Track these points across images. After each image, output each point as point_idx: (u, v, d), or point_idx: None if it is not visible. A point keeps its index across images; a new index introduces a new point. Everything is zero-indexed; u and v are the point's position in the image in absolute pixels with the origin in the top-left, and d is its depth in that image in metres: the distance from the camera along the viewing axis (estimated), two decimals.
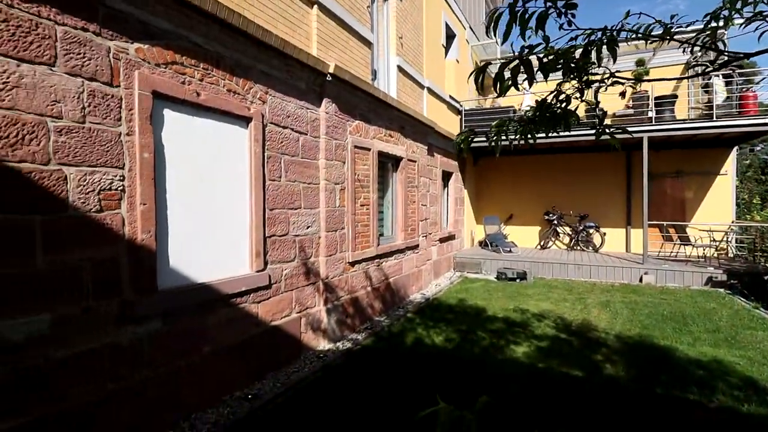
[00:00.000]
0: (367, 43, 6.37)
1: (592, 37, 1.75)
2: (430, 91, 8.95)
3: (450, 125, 10.13)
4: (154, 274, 2.95)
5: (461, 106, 10.97)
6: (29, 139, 2.32)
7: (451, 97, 10.29)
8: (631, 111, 9.74)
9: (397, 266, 6.85)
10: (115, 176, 2.74)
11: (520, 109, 10.90)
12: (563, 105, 1.93)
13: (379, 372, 4.09)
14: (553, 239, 11.70)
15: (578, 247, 11.11)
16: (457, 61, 10.84)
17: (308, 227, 4.68)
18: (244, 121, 3.83)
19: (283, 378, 3.94)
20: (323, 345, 4.85)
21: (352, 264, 5.50)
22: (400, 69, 7.45)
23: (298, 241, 4.52)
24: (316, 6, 5.11)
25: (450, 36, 10.46)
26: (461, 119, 10.92)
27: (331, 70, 4.77)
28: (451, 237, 9.98)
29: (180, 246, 3.22)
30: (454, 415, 1.11)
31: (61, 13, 2.47)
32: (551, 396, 3.64)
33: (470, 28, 11.84)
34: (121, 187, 2.78)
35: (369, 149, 5.87)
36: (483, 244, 11.51)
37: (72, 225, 2.50)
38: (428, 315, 6.22)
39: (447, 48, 10.36)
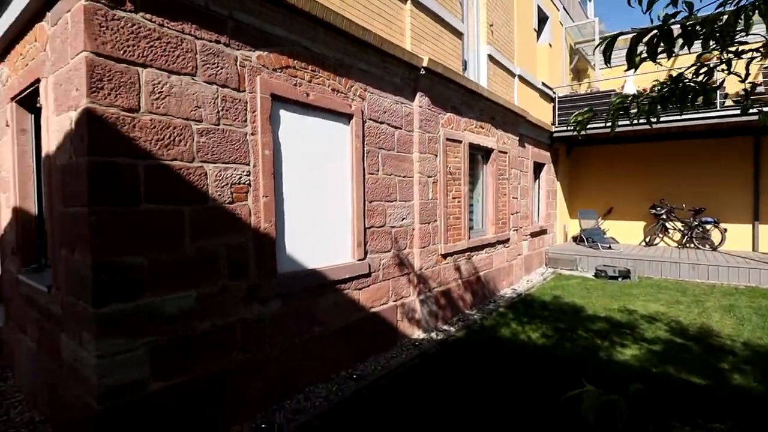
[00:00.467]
0: (458, 34, 6.31)
1: (743, 2, 1.56)
2: (521, 78, 8.60)
3: (542, 114, 9.63)
4: (275, 260, 3.26)
5: (554, 93, 10.36)
6: (178, 140, 2.69)
7: (543, 84, 9.78)
8: (762, 88, 8.41)
9: (488, 260, 6.72)
10: (243, 172, 3.07)
11: (622, 94, 10.00)
12: (705, 79, 1.75)
13: (474, 363, 4.08)
14: (660, 235, 10.58)
15: (692, 245, 9.93)
16: (550, 45, 10.26)
17: (403, 219, 4.80)
18: (346, 118, 4.03)
19: (383, 362, 4.11)
20: (417, 334, 4.95)
21: (444, 256, 5.52)
22: (491, 58, 7.26)
23: (394, 232, 4.66)
24: (409, 1, 5.19)
25: (542, 19, 9.92)
26: (554, 107, 10.31)
27: (425, 64, 4.82)
28: (542, 231, 9.52)
29: (294, 235, 3.51)
30: (603, 399, 1.09)
31: (200, 29, 2.82)
32: (670, 402, 3.33)
33: (564, 8, 11.11)
34: (248, 182, 3.10)
35: (460, 141, 5.83)
36: (578, 239, 10.80)
37: (211, 215, 2.86)
38: (521, 311, 6.03)
39: (539, 32, 9.85)
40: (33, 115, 3.45)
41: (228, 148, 2.98)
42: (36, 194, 3.48)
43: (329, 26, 3.64)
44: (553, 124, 10.16)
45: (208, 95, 2.86)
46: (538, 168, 9.58)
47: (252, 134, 3.14)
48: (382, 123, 4.47)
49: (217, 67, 2.92)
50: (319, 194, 3.79)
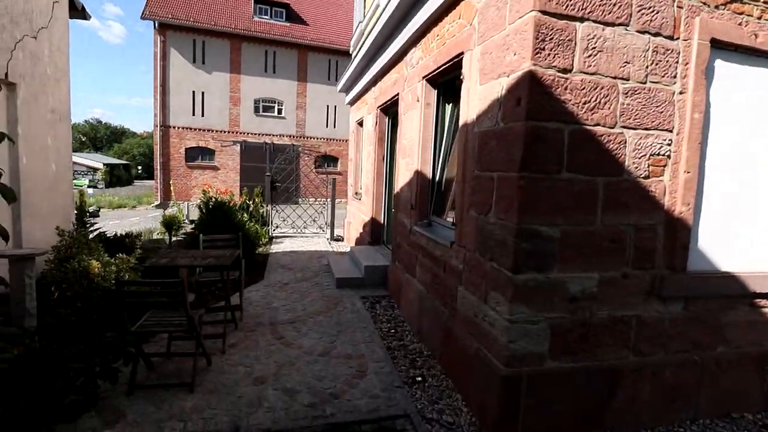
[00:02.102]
0: None
1: None
2: None
3: None
4: (686, 252, 2.62)
5: None
6: (603, 103, 2.38)
7: None
8: None
9: None
10: (664, 140, 2.52)
11: None
12: None
13: None
14: None
15: None
16: None
17: None
18: None
19: None
20: None
21: None
22: None
23: None
24: None
25: None
26: None
27: None
28: None
29: (710, 224, 2.73)
30: None
31: None
32: None
33: None
34: (668, 153, 2.53)
35: None
36: None
37: (624, 189, 2.46)
38: None
39: None
40: (436, 91, 3.93)
41: (651, 111, 2.47)
42: (432, 160, 4.01)
43: None
44: None
45: (639, 47, 2.41)
46: None
47: (681, 93, 2.51)
48: None
49: (653, 11, 2.41)
50: (749, 173, 2.81)
